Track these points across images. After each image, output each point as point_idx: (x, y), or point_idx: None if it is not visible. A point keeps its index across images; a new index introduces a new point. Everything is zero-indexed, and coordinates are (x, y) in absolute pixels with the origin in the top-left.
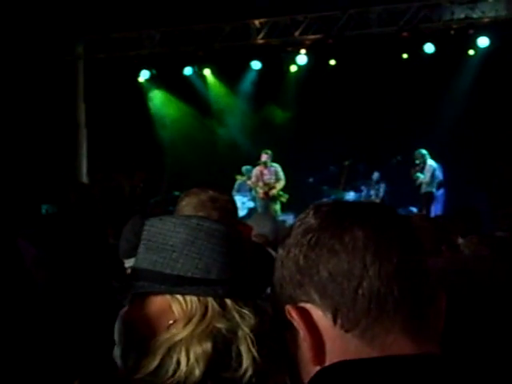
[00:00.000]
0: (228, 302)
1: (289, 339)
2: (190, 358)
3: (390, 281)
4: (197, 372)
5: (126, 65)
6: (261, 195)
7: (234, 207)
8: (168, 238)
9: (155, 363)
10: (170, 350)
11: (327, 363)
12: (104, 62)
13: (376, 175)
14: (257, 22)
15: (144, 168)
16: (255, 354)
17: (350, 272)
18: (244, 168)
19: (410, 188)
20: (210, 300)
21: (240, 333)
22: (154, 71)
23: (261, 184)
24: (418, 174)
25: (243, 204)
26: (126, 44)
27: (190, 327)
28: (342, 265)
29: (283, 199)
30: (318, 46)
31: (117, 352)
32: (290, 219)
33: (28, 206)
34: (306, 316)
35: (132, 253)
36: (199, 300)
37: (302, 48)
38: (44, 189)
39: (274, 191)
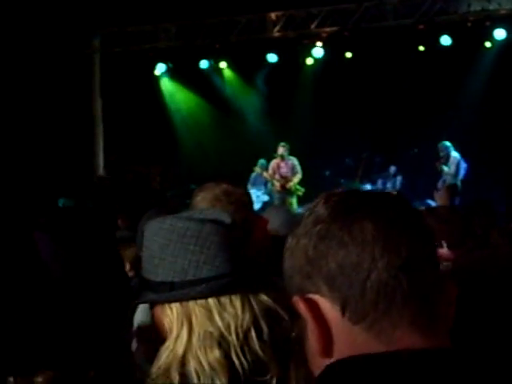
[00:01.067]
0: (210, 301)
1: (299, 329)
2: (205, 369)
3: (399, 274)
4: (219, 380)
5: (142, 58)
6: (278, 188)
7: (249, 200)
8: (151, 243)
9: (175, 376)
10: (183, 363)
11: (335, 355)
12: (120, 55)
13: (393, 169)
14: (273, 15)
15: (160, 161)
16: (244, 360)
17: (358, 264)
18: (259, 161)
19: (427, 180)
20: (192, 303)
21: (226, 337)
22: (170, 64)
23: (277, 177)
24: (443, 167)
25: (257, 197)
26: (142, 37)
27: (182, 336)
28: (351, 257)
29: (300, 193)
30: (334, 39)
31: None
32: None
33: (45, 200)
34: (314, 307)
35: None
36: (181, 305)
37: (319, 41)
38: (61, 182)
39: (290, 184)
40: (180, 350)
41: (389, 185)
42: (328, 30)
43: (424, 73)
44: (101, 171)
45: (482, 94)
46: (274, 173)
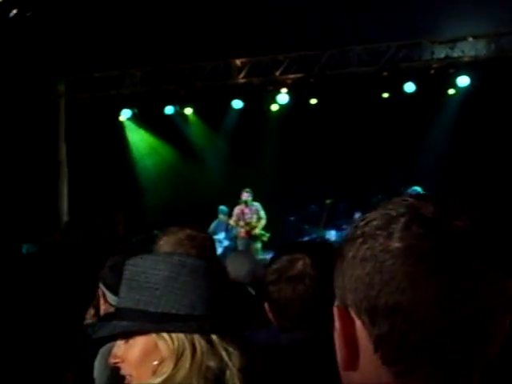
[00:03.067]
0: (214, 338)
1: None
2: None
3: (446, 337)
4: None
5: (108, 104)
6: (242, 234)
7: (211, 244)
8: (150, 275)
9: None
10: None
11: (358, 372)
12: (85, 101)
13: (358, 215)
14: (238, 62)
15: (124, 207)
16: None
17: (408, 315)
18: (220, 208)
19: None
20: (197, 337)
21: (228, 373)
22: (136, 110)
23: (242, 223)
24: None
25: (220, 243)
26: (108, 83)
27: (184, 366)
28: (403, 306)
29: (265, 238)
30: (299, 85)
31: None
32: (268, 257)
33: (8, 246)
34: (350, 325)
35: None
36: (186, 337)
37: (283, 87)
38: (24, 228)
39: (256, 231)
40: (177, 378)
41: None
42: (293, 76)
43: (388, 119)
44: (65, 216)
45: (446, 140)
46: (239, 219)
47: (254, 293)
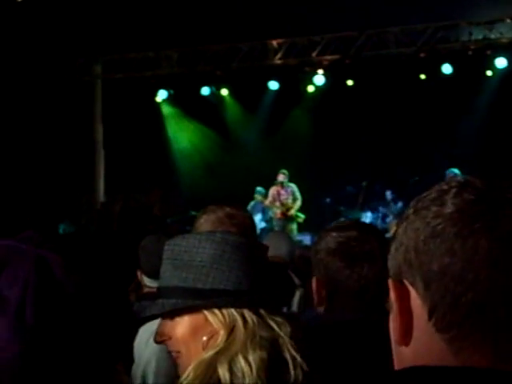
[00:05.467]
0: (262, 311)
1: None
2: (252, 368)
3: (499, 299)
4: (261, 381)
5: (144, 85)
6: (278, 215)
7: (251, 223)
8: (194, 254)
9: (216, 376)
10: (231, 362)
11: (409, 348)
12: (122, 82)
13: (388, 194)
14: (274, 43)
15: (161, 187)
16: (299, 359)
17: (460, 278)
18: (256, 189)
19: None
20: (246, 310)
21: (281, 340)
22: (172, 91)
23: (278, 204)
24: None
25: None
26: (144, 64)
27: (238, 337)
28: (455, 267)
29: (300, 219)
30: (335, 67)
31: (137, 372)
32: (306, 239)
33: (46, 226)
34: (404, 297)
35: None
36: (236, 310)
37: (320, 68)
38: (61, 208)
39: (291, 211)
40: (232, 349)
41: (389, 212)
42: (329, 57)
43: (425, 101)
44: (101, 197)
45: (483, 122)
46: (274, 200)
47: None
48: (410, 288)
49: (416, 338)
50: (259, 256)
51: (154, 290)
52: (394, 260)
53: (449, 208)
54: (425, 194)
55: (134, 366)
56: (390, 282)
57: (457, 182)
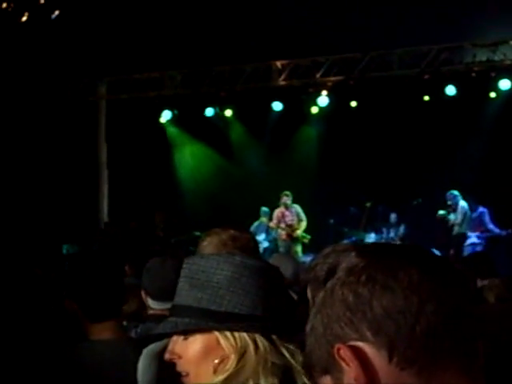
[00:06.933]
0: (275, 338)
1: (330, 382)
2: None
3: (448, 319)
4: None
5: (148, 105)
6: (283, 237)
7: (255, 245)
8: (212, 275)
9: None
10: None
11: None
12: (126, 102)
13: (393, 217)
14: (278, 64)
15: (164, 208)
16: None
17: (406, 308)
18: (262, 209)
19: (431, 229)
20: (258, 336)
21: (293, 369)
22: (176, 112)
23: (283, 225)
24: (450, 215)
25: (259, 244)
26: (148, 84)
27: (248, 363)
28: (398, 300)
29: (306, 240)
30: (339, 88)
31: None
32: (308, 260)
33: (49, 246)
34: (358, 354)
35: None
36: (248, 336)
37: (324, 89)
38: (65, 228)
39: (297, 232)
40: (242, 375)
41: (392, 234)
42: (333, 78)
43: (429, 122)
44: (105, 217)
45: (486, 144)
46: (279, 222)
47: (295, 296)
48: (360, 344)
49: None
50: (276, 282)
51: (159, 312)
52: (328, 331)
53: (359, 261)
54: (318, 276)
55: None
56: (339, 349)
57: (346, 251)
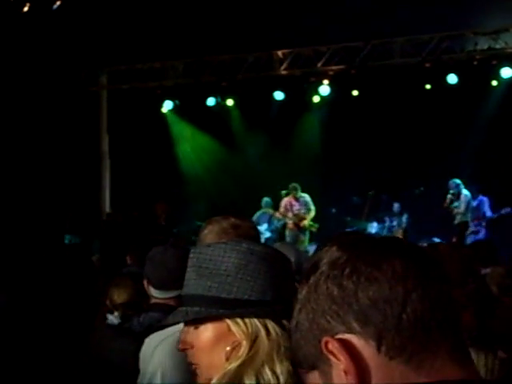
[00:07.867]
0: (286, 322)
1: (318, 377)
2: (279, 380)
3: (433, 305)
4: None
5: (150, 95)
6: (290, 226)
7: (256, 234)
8: (219, 263)
9: None
10: (258, 374)
11: None
12: (127, 92)
13: (396, 206)
14: (280, 53)
15: (166, 198)
16: None
17: (392, 297)
18: (263, 199)
19: (434, 218)
20: (269, 321)
21: None
22: (178, 102)
23: (290, 215)
24: (454, 204)
25: (261, 234)
26: (150, 75)
27: (261, 348)
28: (383, 291)
29: (314, 229)
30: (340, 77)
31: (157, 380)
32: (312, 250)
33: (51, 236)
34: (347, 346)
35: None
36: (259, 321)
37: (325, 79)
38: (67, 219)
39: (305, 222)
40: (256, 360)
41: (395, 223)
42: (335, 68)
43: (430, 111)
44: (107, 207)
45: (488, 132)
46: (287, 210)
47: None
48: (348, 336)
49: (374, 378)
50: (284, 267)
51: (161, 301)
52: (314, 326)
53: (341, 254)
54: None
55: (140, 377)
56: (327, 342)
57: (326, 246)
